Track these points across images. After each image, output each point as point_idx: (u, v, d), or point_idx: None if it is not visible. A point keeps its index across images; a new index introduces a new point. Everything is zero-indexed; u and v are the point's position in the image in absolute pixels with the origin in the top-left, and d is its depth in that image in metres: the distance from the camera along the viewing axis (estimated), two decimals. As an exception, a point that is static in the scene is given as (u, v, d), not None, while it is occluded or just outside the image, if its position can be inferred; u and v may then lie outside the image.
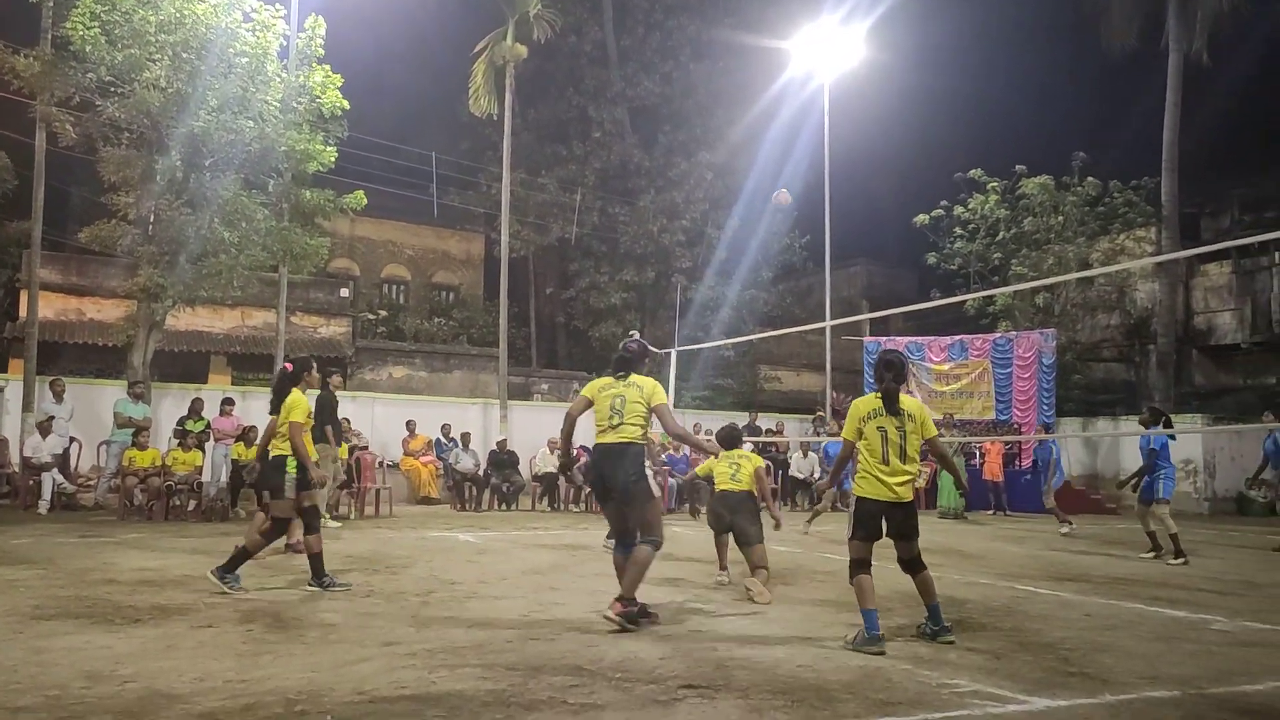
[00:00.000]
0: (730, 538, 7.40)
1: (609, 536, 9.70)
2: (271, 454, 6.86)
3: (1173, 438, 10.87)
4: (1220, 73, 24.92)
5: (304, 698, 3.98)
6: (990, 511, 17.12)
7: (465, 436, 16.25)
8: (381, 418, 17.54)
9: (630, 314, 25.12)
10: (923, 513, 5.78)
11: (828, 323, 18.37)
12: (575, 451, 8.55)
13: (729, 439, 7.72)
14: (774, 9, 25.24)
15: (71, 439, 13.58)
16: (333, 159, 14.84)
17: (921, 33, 40.23)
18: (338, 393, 12.12)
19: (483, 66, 20.91)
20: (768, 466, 17.96)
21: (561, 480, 15.36)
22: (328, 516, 11.63)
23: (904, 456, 5.33)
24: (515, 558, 9.07)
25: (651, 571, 8.20)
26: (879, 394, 5.45)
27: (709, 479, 7.91)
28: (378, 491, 13.93)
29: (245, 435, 12.60)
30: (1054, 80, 47.80)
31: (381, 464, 15.41)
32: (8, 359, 18.66)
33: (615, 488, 5.66)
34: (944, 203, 24.03)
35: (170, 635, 5.17)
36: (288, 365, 7.15)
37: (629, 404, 5.68)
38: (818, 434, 18.32)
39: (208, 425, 13.40)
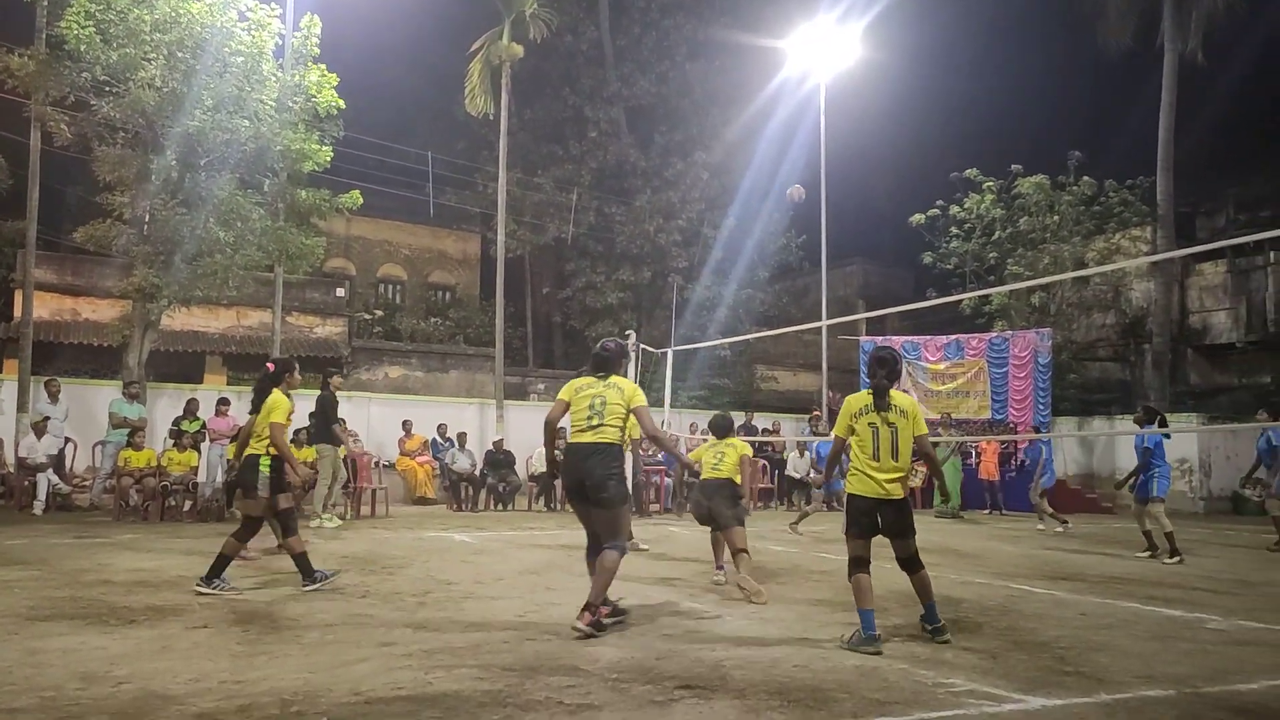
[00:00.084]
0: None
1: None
2: (245, 453, 6.85)
3: (1167, 436, 10.91)
4: (1215, 72, 25.01)
5: (300, 698, 3.97)
6: (986, 511, 17.15)
7: (461, 436, 16.24)
8: (377, 418, 17.52)
9: (626, 314, 25.11)
10: (919, 512, 5.77)
11: (824, 322, 18.38)
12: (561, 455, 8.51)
13: (720, 427, 7.79)
14: (770, 8, 25.24)
15: (67, 439, 13.55)
16: (328, 158, 14.84)
17: (917, 32, 40.33)
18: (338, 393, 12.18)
19: (479, 66, 20.89)
20: (765, 466, 18.20)
21: (557, 481, 15.35)
22: (324, 517, 11.65)
23: (895, 453, 5.33)
24: (511, 558, 9.06)
25: (647, 571, 8.23)
26: (871, 391, 5.46)
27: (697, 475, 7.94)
28: (374, 492, 13.92)
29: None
30: (1050, 80, 47.89)
31: (378, 464, 15.40)
32: (2, 359, 18.61)
33: (591, 486, 5.55)
34: (940, 202, 24.05)
35: (165, 636, 5.16)
36: (270, 365, 7.12)
37: (609, 405, 5.60)
38: (814, 433, 18.33)
39: (203, 425, 13.39)
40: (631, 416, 5.68)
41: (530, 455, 16.21)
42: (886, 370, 5.45)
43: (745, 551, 7.09)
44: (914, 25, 38.31)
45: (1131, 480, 10.68)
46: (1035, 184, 22.74)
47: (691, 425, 17.97)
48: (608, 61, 26.43)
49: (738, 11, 26.68)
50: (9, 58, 12.97)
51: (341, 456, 12.28)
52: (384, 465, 15.96)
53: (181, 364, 19.83)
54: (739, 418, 19.16)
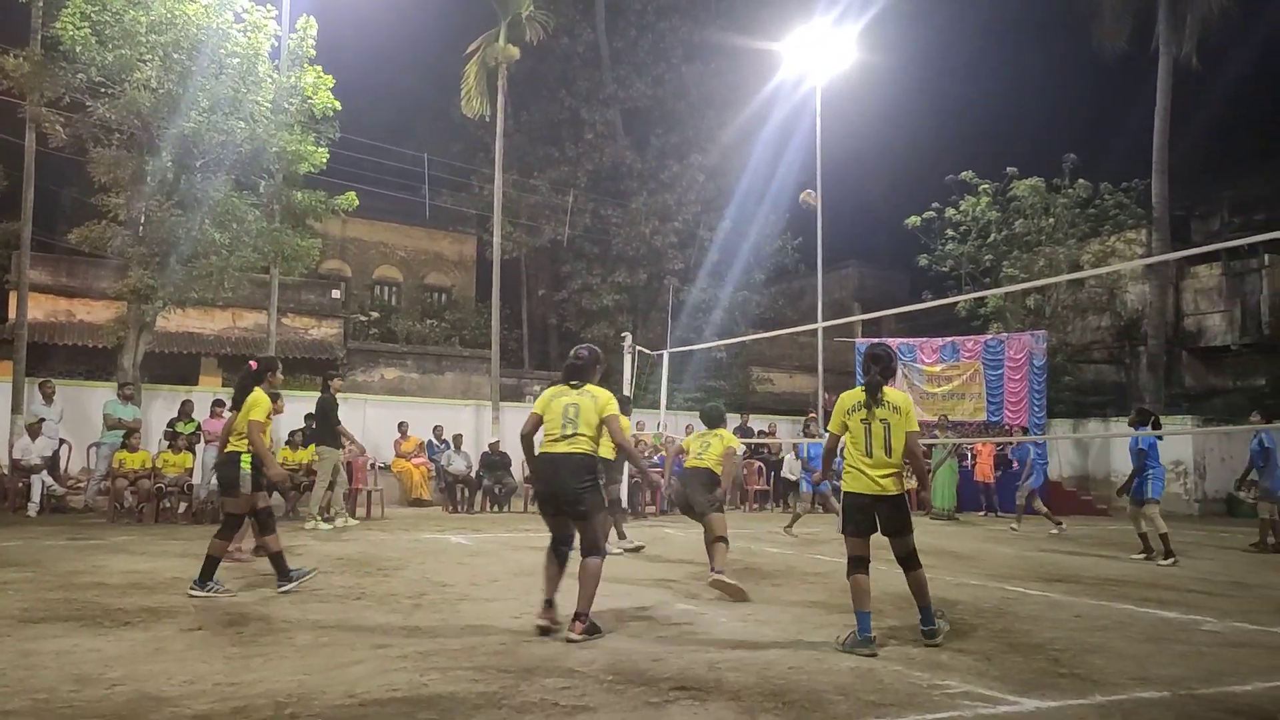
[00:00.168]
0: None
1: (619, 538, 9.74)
2: (225, 450, 6.85)
3: (1160, 438, 10.93)
4: (1210, 76, 25.02)
5: (294, 700, 3.97)
6: (982, 513, 17.17)
7: (457, 438, 16.22)
8: (373, 419, 17.50)
9: (622, 316, 25.11)
10: (915, 513, 5.76)
11: (819, 324, 18.40)
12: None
13: (711, 417, 7.85)
14: (766, 11, 25.30)
15: (61, 441, 13.52)
16: (324, 160, 14.81)
17: (913, 35, 40.37)
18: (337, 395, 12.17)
19: (475, 68, 20.89)
20: (760, 469, 18.20)
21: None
22: (319, 519, 11.63)
23: (888, 449, 5.31)
24: (507, 560, 9.05)
25: (643, 573, 8.23)
26: (864, 387, 5.45)
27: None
28: (369, 493, 13.90)
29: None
30: (1045, 83, 47.99)
31: (373, 466, 15.37)
32: (-4, 360, 18.56)
33: (565, 500, 5.49)
34: (935, 204, 24.10)
35: (160, 638, 5.15)
36: (252, 363, 7.10)
37: (583, 413, 5.52)
38: (805, 435, 18.34)
39: (198, 427, 13.36)
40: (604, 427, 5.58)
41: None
42: (881, 367, 5.45)
43: (723, 540, 7.09)
44: (910, 28, 38.39)
45: (1129, 485, 10.69)
46: (1031, 186, 22.79)
47: (688, 427, 17.92)
48: (604, 64, 26.45)
49: (733, 14, 26.74)
50: (4, 59, 12.93)
51: (341, 459, 12.27)
52: (379, 467, 15.93)
53: (177, 366, 19.80)
54: (734, 420, 19.18)
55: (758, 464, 18.53)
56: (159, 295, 13.58)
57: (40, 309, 18.77)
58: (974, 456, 18.08)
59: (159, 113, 13.18)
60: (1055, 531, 13.30)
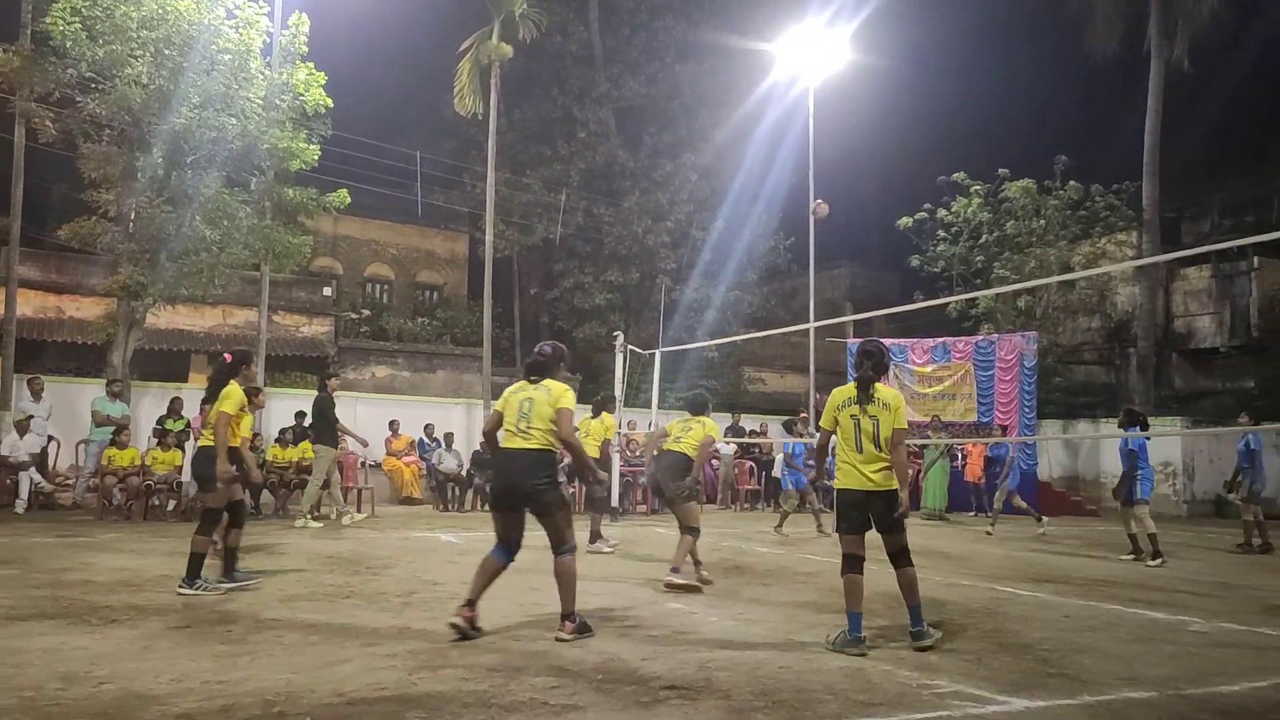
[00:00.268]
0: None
1: (591, 540, 9.73)
2: (200, 444, 6.81)
3: (1148, 439, 10.97)
4: (1202, 79, 25.20)
5: (282, 699, 3.96)
6: (972, 513, 17.21)
7: (448, 437, 16.20)
8: (364, 417, 17.42)
9: (614, 315, 25.07)
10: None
11: (811, 324, 18.41)
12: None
13: (695, 404, 7.92)
14: (759, 11, 25.28)
15: (50, 438, 13.45)
16: (316, 157, 14.76)
17: (906, 37, 40.41)
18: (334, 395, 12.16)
19: (468, 65, 20.84)
20: (751, 468, 18.22)
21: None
22: (309, 517, 11.61)
23: (878, 443, 5.31)
24: (498, 558, 9.02)
25: (634, 571, 8.23)
26: (855, 383, 5.45)
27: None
28: (360, 491, 13.86)
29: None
30: (1037, 85, 48.13)
31: (364, 464, 15.34)
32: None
33: (520, 495, 5.41)
34: (927, 206, 24.16)
35: (147, 636, 5.13)
36: (227, 356, 7.05)
37: (536, 406, 5.41)
38: (798, 434, 18.34)
39: (188, 424, 13.30)
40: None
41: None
42: (872, 362, 5.45)
43: (695, 530, 7.09)
44: (902, 29, 38.43)
45: (1124, 486, 10.71)
46: (1022, 188, 22.86)
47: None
48: (597, 62, 26.41)
49: (727, 14, 26.71)
50: (-6, 53, 12.89)
51: (336, 458, 12.26)
52: (370, 465, 15.90)
53: (166, 363, 19.73)
54: (726, 419, 19.20)
55: (749, 464, 18.54)
56: (149, 292, 13.53)
57: (29, 305, 18.66)
58: (964, 457, 18.13)
59: (150, 109, 13.13)
60: (1041, 531, 13.32)
